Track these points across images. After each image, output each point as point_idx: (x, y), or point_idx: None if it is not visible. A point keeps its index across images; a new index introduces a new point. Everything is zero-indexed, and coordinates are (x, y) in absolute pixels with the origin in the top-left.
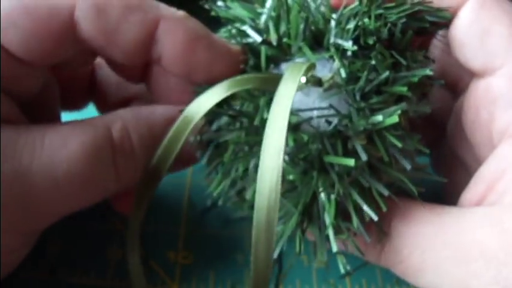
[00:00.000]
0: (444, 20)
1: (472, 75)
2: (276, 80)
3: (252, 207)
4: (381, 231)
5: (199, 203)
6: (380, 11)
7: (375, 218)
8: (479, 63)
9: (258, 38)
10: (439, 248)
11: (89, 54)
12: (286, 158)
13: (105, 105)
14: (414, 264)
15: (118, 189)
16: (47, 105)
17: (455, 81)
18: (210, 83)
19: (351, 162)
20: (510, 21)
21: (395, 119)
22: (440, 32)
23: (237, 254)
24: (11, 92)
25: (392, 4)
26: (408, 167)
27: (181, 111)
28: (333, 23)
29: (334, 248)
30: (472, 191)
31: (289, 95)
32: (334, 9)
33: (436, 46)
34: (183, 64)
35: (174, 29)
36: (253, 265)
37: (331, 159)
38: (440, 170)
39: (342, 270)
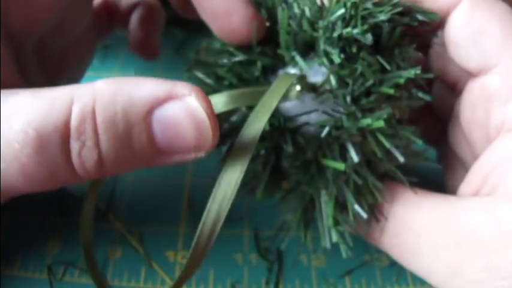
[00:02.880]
0: (433, 20)
1: (469, 75)
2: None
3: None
4: (377, 217)
5: (199, 203)
6: (367, 10)
7: (365, 215)
8: (474, 63)
9: (242, 57)
10: (434, 233)
11: None
12: (289, 160)
13: (120, 19)
14: (410, 248)
15: (80, 180)
16: (68, 64)
17: (454, 81)
18: None
19: (341, 166)
20: (502, 21)
21: (381, 123)
22: (439, 33)
23: (237, 254)
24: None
25: (380, 7)
26: (401, 159)
27: None
28: (320, 31)
29: (334, 238)
30: (468, 183)
31: (269, 107)
32: (321, 15)
33: (435, 46)
34: None
35: None
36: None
37: (325, 162)
38: (443, 167)
39: (344, 255)
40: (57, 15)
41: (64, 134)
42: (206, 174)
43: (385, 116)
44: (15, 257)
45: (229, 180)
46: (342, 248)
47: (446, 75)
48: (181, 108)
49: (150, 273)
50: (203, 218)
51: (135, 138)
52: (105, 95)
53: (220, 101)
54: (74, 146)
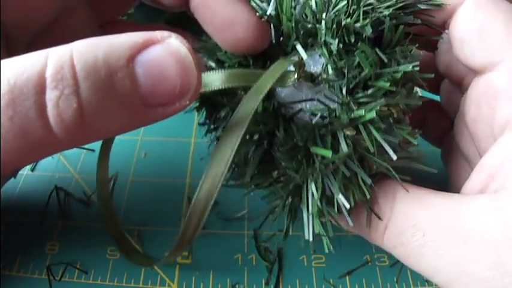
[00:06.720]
0: (435, 9)
1: (474, 72)
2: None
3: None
4: (372, 213)
5: None
6: (371, 5)
7: (347, 205)
8: (479, 60)
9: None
10: (440, 232)
11: None
12: (280, 146)
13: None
14: (415, 247)
15: (56, 141)
16: None
17: (460, 79)
18: None
19: (328, 153)
20: (506, 19)
21: (372, 114)
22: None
23: (237, 254)
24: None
25: (383, 2)
26: (394, 157)
27: None
28: (323, 23)
29: (316, 229)
30: (474, 180)
31: (263, 89)
32: (323, 8)
33: (441, 44)
34: None
35: None
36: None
37: (313, 149)
38: (448, 164)
39: (326, 250)
40: (52, 16)
41: (38, 83)
42: None
43: (377, 107)
44: (14, 257)
45: (221, 158)
46: (324, 240)
47: (452, 73)
48: (163, 49)
49: (150, 273)
50: (195, 195)
51: (118, 84)
52: (83, 45)
53: (217, 78)
54: (51, 95)
